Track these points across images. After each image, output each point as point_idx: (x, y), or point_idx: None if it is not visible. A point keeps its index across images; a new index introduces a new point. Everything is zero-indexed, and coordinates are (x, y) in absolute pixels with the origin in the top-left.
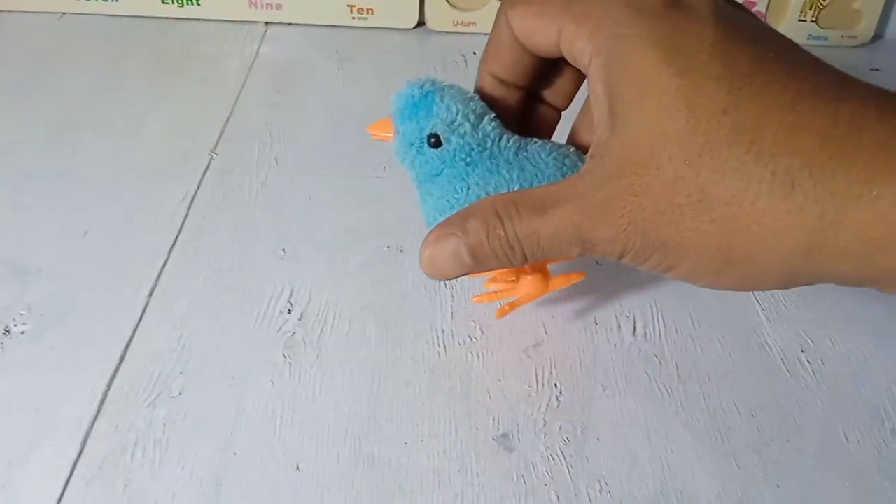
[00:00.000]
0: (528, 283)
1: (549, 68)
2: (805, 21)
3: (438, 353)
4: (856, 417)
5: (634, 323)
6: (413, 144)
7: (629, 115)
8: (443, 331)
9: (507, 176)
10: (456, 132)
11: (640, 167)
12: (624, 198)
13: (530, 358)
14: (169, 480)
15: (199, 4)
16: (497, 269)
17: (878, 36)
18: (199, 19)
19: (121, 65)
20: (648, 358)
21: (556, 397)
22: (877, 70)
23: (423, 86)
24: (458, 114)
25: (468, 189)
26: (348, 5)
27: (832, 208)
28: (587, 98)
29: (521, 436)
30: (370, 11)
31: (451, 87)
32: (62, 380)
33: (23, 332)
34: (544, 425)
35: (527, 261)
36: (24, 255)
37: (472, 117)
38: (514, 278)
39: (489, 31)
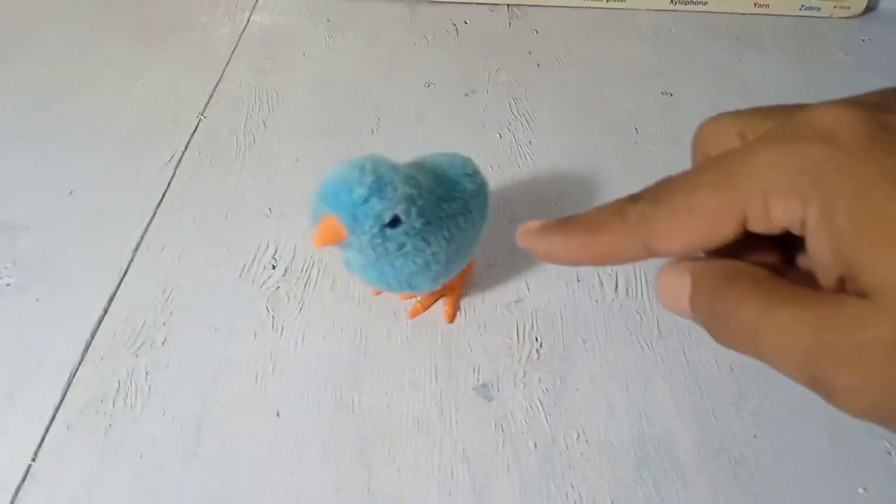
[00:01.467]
0: (447, 284)
1: None
2: None
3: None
4: None
5: (617, 280)
6: (375, 233)
7: (882, 258)
8: None
9: (450, 212)
10: (415, 204)
11: None
12: (888, 350)
13: (512, 313)
14: (150, 425)
15: None
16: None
17: (870, 7)
18: None
19: (110, 31)
20: (630, 314)
21: (537, 350)
22: (868, 40)
23: (361, 177)
24: (405, 187)
25: (431, 244)
26: None
27: None
28: None
29: (500, 386)
30: None
31: (375, 163)
32: (46, 330)
33: (8, 285)
34: (524, 376)
35: (738, 348)
36: (10, 211)
37: (412, 183)
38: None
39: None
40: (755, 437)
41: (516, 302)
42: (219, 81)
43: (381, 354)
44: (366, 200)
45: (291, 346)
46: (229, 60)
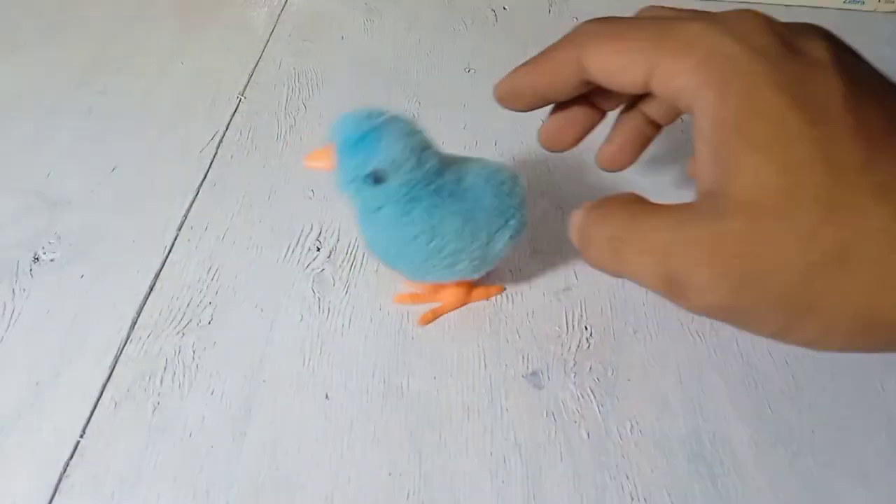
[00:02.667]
0: (450, 292)
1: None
2: None
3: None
4: (893, 367)
5: None
6: (353, 181)
7: (753, 158)
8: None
9: (452, 208)
10: (400, 170)
11: (765, 215)
12: (739, 244)
13: (560, 301)
14: (198, 405)
15: None
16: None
17: None
18: None
19: (149, 9)
20: None
21: (587, 339)
22: None
23: (364, 121)
24: (402, 151)
25: (412, 223)
26: None
27: None
28: None
29: (550, 374)
30: None
31: (394, 119)
32: (91, 306)
33: (52, 260)
34: (574, 365)
35: (605, 267)
36: (52, 186)
37: (417, 153)
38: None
39: None
40: (813, 432)
41: (564, 290)
42: (258, 62)
43: (429, 339)
44: (357, 142)
45: (338, 328)
46: (268, 41)
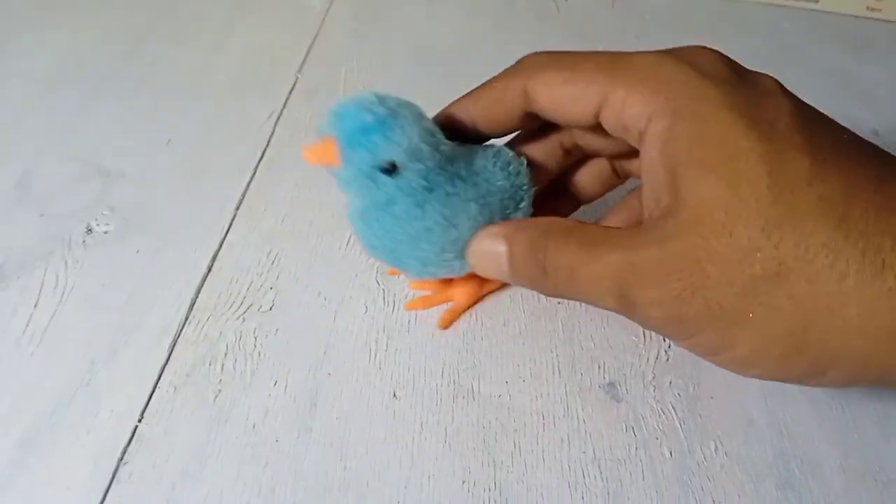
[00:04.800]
0: (461, 289)
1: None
2: None
3: (537, 295)
4: None
5: None
6: (364, 173)
7: (699, 177)
8: None
9: (467, 195)
10: (417, 158)
11: (709, 231)
12: (684, 261)
13: None
14: (262, 395)
15: None
16: (529, 288)
17: None
18: None
19: None
20: None
21: (665, 351)
22: None
23: (373, 107)
24: (419, 137)
25: (427, 215)
26: None
27: None
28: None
29: (628, 386)
30: None
31: (400, 104)
32: (147, 283)
33: (106, 233)
34: (653, 378)
35: (558, 293)
36: (105, 156)
37: (429, 139)
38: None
39: None
40: None
41: None
42: (314, 40)
43: (499, 340)
44: (366, 131)
45: (404, 323)
46: (324, 20)
